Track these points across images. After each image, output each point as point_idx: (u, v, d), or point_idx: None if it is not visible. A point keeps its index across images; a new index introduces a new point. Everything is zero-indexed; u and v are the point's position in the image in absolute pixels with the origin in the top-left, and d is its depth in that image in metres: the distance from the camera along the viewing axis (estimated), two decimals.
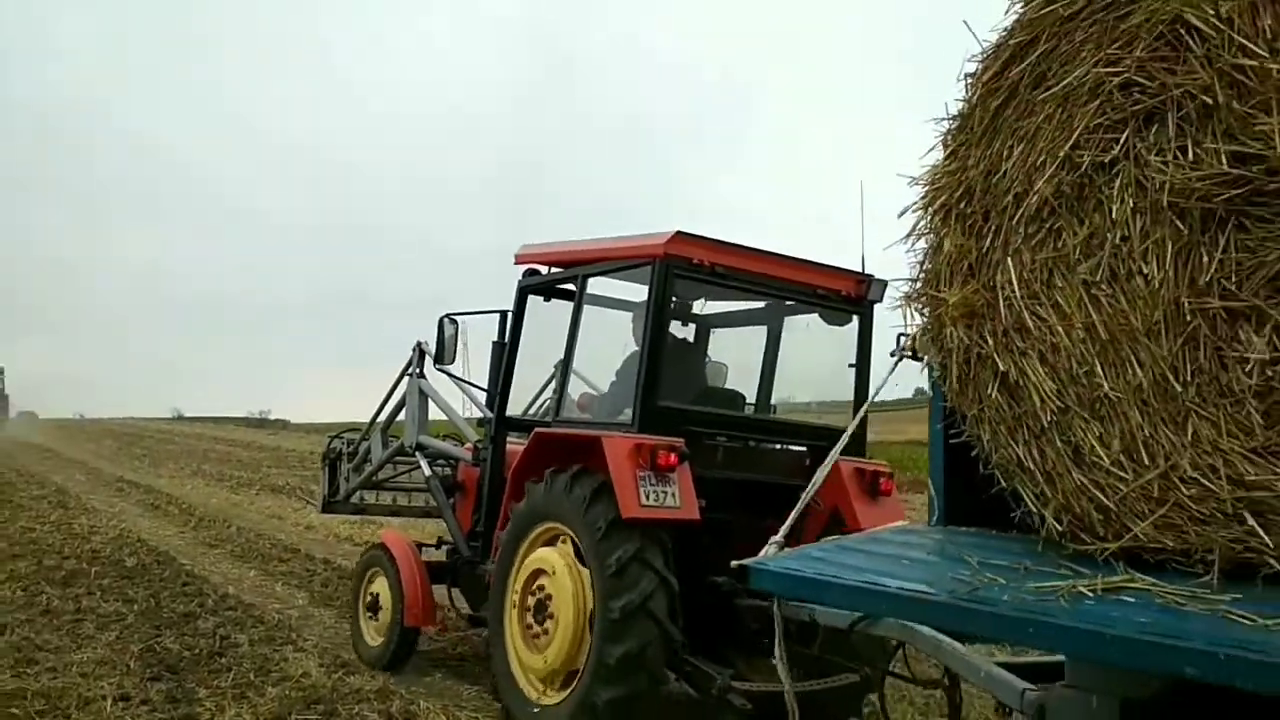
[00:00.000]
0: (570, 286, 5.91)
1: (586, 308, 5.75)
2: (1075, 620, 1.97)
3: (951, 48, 2.82)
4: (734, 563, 2.87)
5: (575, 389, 6.12)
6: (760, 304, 6.25)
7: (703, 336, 6.47)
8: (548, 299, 6.27)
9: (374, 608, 6.39)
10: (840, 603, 2.62)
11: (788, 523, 3.27)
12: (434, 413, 7.24)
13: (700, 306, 6.29)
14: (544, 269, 6.18)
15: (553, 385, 6.31)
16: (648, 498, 4.63)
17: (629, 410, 5.15)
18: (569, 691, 4.77)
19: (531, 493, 5.24)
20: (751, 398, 6.31)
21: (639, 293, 5.54)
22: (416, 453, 7.02)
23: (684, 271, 5.22)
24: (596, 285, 5.81)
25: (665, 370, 5.28)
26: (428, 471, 6.91)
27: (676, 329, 6.12)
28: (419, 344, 7.05)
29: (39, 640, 6.48)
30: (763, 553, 2.96)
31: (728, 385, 6.19)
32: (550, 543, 5.14)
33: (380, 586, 6.37)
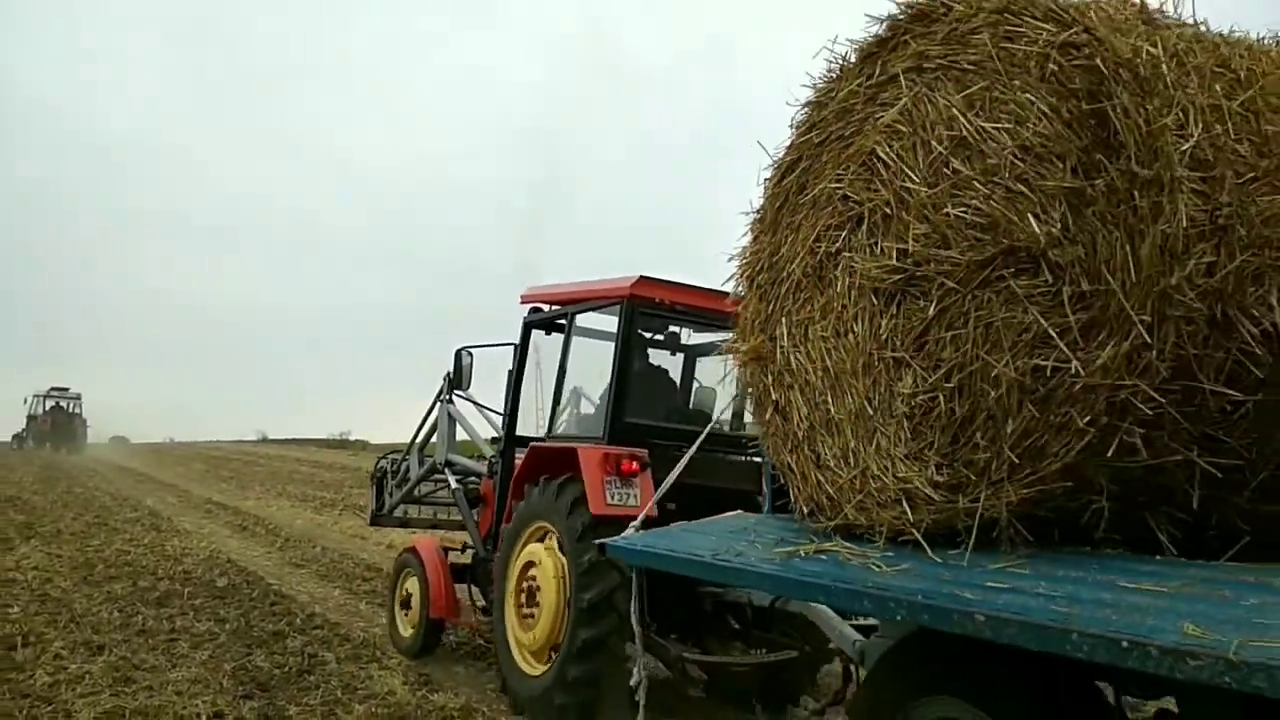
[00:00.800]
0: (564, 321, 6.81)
1: (578, 339, 6.75)
2: (777, 570, 2.95)
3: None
4: (596, 540, 3.91)
5: (576, 409, 7.10)
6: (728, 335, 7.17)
7: (690, 364, 7.33)
8: (549, 333, 7.13)
9: (406, 603, 7.43)
10: (657, 566, 3.63)
11: (642, 513, 4.31)
12: (462, 434, 8.24)
13: (687, 338, 7.12)
14: (545, 307, 7.17)
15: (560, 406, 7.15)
16: (612, 498, 5.56)
17: (602, 426, 6.14)
18: (549, 665, 5.73)
19: (529, 495, 6.15)
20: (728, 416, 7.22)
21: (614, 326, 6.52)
22: (446, 470, 8.03)
23: (647, 309, 6.23)
24: (586, 320, 6.78)
25: (634, 392, 6.24)
26: (454, 485, 7.88)
27: (665, 357, 7.09)
28: (447, 374, 7.99)
29: (136, 660, 6.74)
30: (624, 533, 3.99)
31: (717, 405, 6.87)
32: (541, 539, 6.04)
33: (412, 585, 7.39)
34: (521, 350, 7.25)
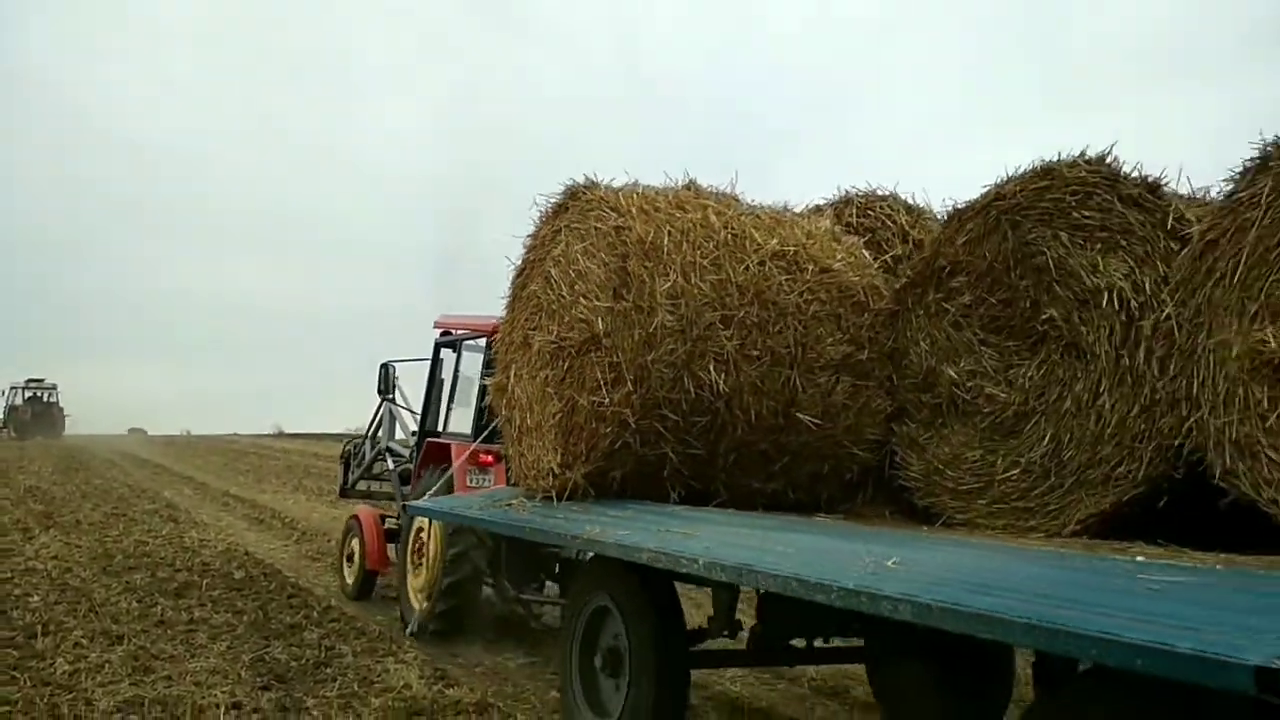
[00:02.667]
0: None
1: (467, 358, 8.96)
2: (493, 517, 5.36)
3: None
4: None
5: (460, 414, 9.38)
6: None
7: None
8: (454, 351, 9.24)
9: (350, 558, 9.73)
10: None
11: (436, 485, 6.77)
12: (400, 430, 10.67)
13: None
14: (453, 332, 9.54)
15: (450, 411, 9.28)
16: (472, 481, 7.81)
17: (471, 428, 8.39)
18: (430, 601, 7.83)
19: (424, 477, 8.35)
20: None
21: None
22: (385, 454, 10.46)
23: None
24: (471, 344, 8.97)
25: None
26: (390, 466, 10.21)
27: None
28: (394, 377, 10.30)
29: (154, 650, 6.92)
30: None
31: None
32: None
33: (354, 544, 9.57)
34: (432, 365, 9.51)
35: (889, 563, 3.13)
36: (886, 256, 5.84)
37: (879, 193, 6.22)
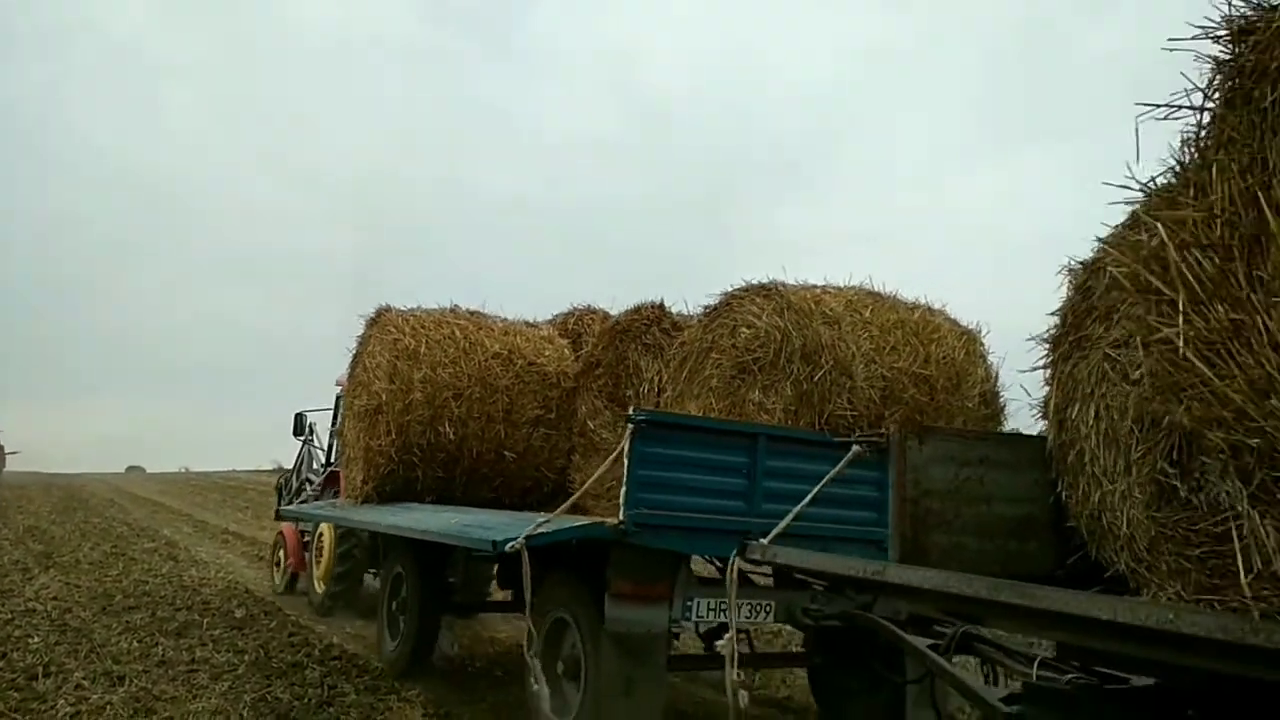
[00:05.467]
0: None
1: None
2: (335, 515, 8.94)
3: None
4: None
5: None
6: None
7: None
8: None
9: (278, 564, 13.14)
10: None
11: (314, 502, 10.43)
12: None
13: None
14: None
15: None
16: (329, 498, 11.42)
17: None
18: (324, 585, 11.36)
19: (325, 497, 11.95)
20: None
21: None
22: (305, 483, 13.76)
23: None
24: None
25: None
26: (309, 493, 13.42)
27: None
28: (308, 423, 13.72)
29: (156, 690, 6.91)
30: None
31: None
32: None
33: (280, 554, 13.07)
34: (334, 413, 12.67)
35: (453, 520, 6.67)
36: (581, 352, 9.38)
37: (592, 307, 9.79)
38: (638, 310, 8.40)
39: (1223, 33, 2.73)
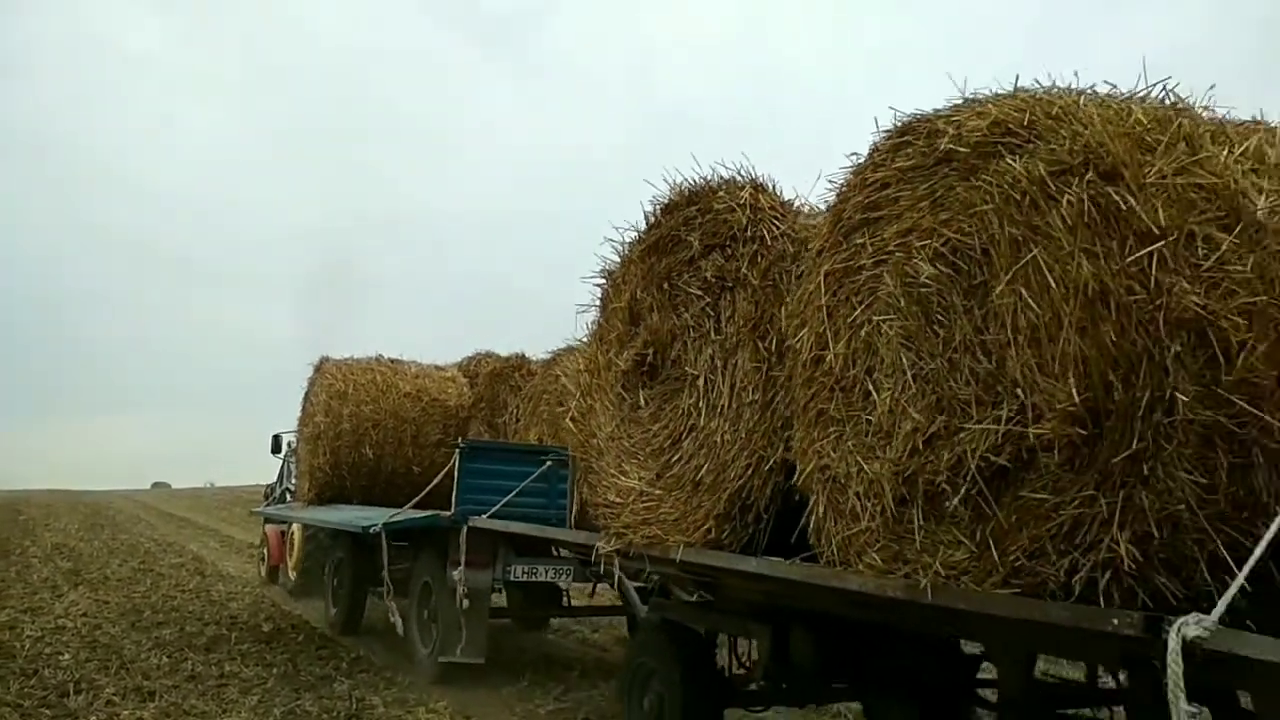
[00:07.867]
0: None
1: None
2: (279, 514, 12.09)
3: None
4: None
5: None
6: None
7: None
8: None
9: (264, 559, 16.06)
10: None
11: (287, 502, 13.64)
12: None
13: None
14: None
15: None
16: (289, 503, 14.52)
17: None
18: (294, 572, 14.37)
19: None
20: None
21: None
22: (286, 493, 16.49)
23: None
24: None
25: None
26: (289, 500, 16.01)
27: None
28: (288, 441, 16.45)
29: (186, 705, 6.97)
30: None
31: None
32: None
33: (264, 551, 15.96)
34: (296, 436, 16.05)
35: (349, 515, 9.68)
36: (478, 388, 12.29)
37: (490, 352, 12.72)
38: (508, 359, 11.48)
39: None
